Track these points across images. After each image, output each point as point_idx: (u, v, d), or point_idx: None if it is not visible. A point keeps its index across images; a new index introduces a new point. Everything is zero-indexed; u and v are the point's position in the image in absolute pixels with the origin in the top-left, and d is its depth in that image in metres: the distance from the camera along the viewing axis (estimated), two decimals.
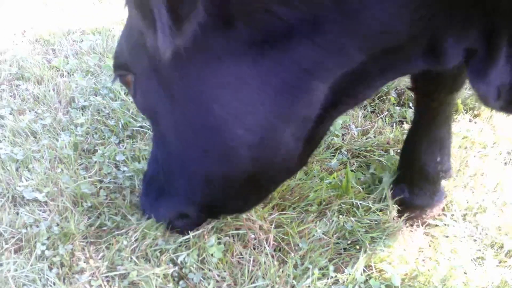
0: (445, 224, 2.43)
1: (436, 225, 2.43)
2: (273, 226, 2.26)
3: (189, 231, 2.17)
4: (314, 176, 2.52)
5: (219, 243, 2.17)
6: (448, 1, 1.31)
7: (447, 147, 2.45)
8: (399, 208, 2.44)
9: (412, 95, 3.23)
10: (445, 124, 2.41)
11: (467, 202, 2.55)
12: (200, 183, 1.76)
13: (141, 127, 2.78)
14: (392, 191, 2.48)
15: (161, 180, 1.99)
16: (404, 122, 3.08)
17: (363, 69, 1.46)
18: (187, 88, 1.54)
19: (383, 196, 2.44)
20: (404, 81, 3.28)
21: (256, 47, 1.42)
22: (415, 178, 2.47)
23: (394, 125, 3.05)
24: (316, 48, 1.40)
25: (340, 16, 1.33)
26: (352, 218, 2.32)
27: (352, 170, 2.61)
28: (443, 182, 2.52)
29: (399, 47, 1.43)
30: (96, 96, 3.03)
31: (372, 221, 2.34)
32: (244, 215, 2.25)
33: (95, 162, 2.54)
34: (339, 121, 2.85)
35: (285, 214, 2.34)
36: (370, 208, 2.40)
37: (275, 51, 1.42)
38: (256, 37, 1.41)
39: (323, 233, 2.27)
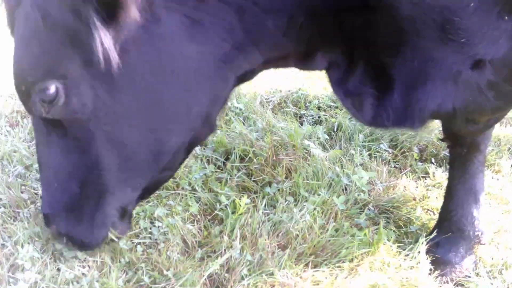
0: (472, 281, 2.47)
1: (464, 282, 2.48)
2: (308, 284, 2.31)
3: None
4: (345, 233, 2.58)
5: None
6: (319, 32, 1.88)
7: (482, 203, 2.57)
8: (431, 265, 2.49)
9: (434, 151, 3.33)
10: (479, 174, 2.57)
11: (492, 259, 2.60)
12: (151, 161, 1.94)
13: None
14: (427, 247, 2.54)
15: (88, 193, 1.95)
16: (427, 178, 3.15)
17: (258, 67, 2.00)
18: (137, 76, 1.75)
19: (415, 252, 2.49)
20: (426, 137, 3.38)
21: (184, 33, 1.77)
22: (452, 233, 2.55)
23: (418, 180, 3.12)
24: (234, 53, 1.86)
25: (245, 33, 1.82)
26: (384, 276, 2.37)
27: (383, 227, 2.68)
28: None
29: (286, 56, 2.02)
30: None
31: (403, 279, 2.39)
32: (279, 273, 2.30)
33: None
34: (365, 177, 2.92)
35: (317, 271, 2.39)
36: (401, 265, 2.44)
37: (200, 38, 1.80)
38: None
39: None
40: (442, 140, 2.77)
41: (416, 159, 3.28)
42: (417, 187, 3.05)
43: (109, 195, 1.95)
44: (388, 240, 2.57)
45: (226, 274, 2.35)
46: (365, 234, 2.54)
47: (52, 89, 1.68)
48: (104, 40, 1.59)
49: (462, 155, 2.55)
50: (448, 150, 2.82)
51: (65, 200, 1.95)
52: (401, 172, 3.18)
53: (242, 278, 2.32)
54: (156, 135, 1.88)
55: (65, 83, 1.69)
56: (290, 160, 3.01)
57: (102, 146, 1.83)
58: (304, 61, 2.07)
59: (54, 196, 1.95)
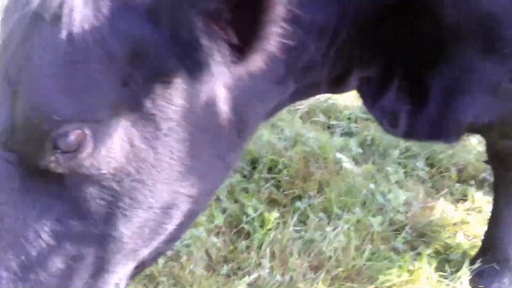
0: None
1: None
2: None
3: None
4: (384, 258, 2.39)
5: None
6: (359, 46, 1.66)
7: None
8: None
9: (473, 172, 3.14)
10: None
11: None
12: (164, 228, 1.46)
13: None
14: (470, 277, 2.39)
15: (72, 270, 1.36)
16: (466, 201, 2.95)
17: (288, 97, 1.71)
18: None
19: (457, 282, 2.31)
20: (464, 157, 3.19)
21: None
22: (497, 262, 2.39)
23: (456, 203, 2.93)
24: (270, 87, 1.56)
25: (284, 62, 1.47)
26: None
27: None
28: None
29: (318, 82, 1.75)
30: None
31: None
32: None
33: None
34: (403, 197, 2.74)
35: None
36: None
37: None
38: None
39: None
40: (486, 162, 2.60)
41: (454, 180, 3.09)
42: (456, 210, 2.86)
43: (101, 272, 1.42)
44: (429, 267, 2.39)
45: None
46: (404, 260, 2.35)
47: (78, 134, 1.24)
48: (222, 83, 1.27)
49: (507, 178, 2.40)
50: (489, 172, 2.68)
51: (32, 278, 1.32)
52: (438, 192, 2.99)
53: None
54: (184, 194, 1.45)
55: (97, 129, 1.25)
56: (322, 174, 2.83)
57: (115, 209, 1.36)
58: (338, 84, 1.83)
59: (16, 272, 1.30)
